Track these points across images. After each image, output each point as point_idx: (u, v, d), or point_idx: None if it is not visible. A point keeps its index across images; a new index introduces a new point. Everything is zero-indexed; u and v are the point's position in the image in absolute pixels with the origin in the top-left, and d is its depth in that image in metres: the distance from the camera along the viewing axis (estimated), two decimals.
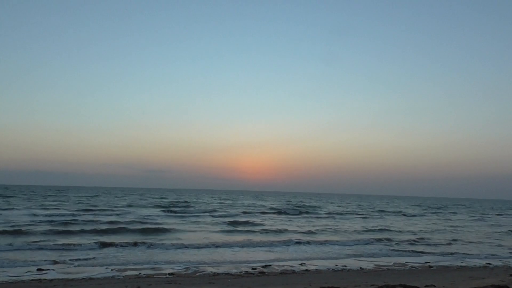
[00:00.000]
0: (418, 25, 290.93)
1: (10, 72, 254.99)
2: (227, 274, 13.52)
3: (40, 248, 17.70)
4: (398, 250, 20.90)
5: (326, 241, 23.28)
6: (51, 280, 11.90)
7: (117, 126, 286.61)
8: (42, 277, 12.31)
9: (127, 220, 31.57)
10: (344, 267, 15.49)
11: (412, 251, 20.89)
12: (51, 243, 19.01)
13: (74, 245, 18.72)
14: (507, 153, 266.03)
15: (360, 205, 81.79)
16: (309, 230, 28.45)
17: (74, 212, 37.26)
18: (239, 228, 29.20)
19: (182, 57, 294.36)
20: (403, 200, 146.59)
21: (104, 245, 18.91)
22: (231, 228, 29.36)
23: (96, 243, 19.27)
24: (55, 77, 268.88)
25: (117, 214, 37.05)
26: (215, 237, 23.53)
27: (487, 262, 18.01)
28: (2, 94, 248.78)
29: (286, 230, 28.19)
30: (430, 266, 16.36)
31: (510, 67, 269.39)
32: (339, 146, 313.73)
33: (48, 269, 13.49)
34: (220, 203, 67.81)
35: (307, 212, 50.06)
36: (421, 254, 20.10)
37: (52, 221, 28.61)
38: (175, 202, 63.33)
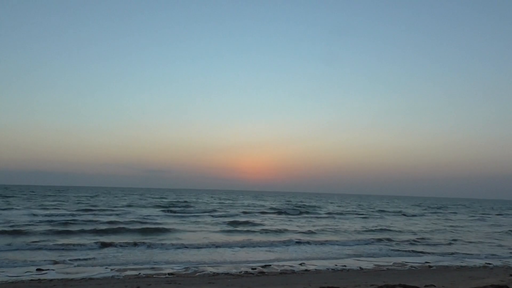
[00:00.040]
0: (418, 25, 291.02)
1: (10, 72, 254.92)
2: (227, 274, 13.51)
3: (40, 248, 17.68)
4: (399, 250, 20.89)
5: (326, 241, 23.28)
6: (51, 280, 11.89)
7: (117, 126, 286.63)
8: (42, 277, 12.30)
9: (126, 220, 31.55)
10: (344, 267, 15.48)
11: (412, 251, 20.88)
12: (51, 243, 19.00)
13: (73, 245, 18.71)
14: (507, 153, 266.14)
15: (360, 205, 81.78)
16: (309, 230, 28.44)
17: (74, 212, 37.25)
18: (239, 228, 29.18)
19: (182, 57, 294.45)
20: (403, 200, 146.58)
21: (103, 245, 18.90)
22: (231, 228, 29.34)
23: (96, 243, 19.26)
24: (55, 77, 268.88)
25: (117, 214, 37.02)
26: (215, 237, 23.51)
27: (487, 262, 18.01)
28: (2, 94, 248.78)
29: (286, 230, 28.18)
30: (430, 266, 16.36)
31: (510, 67, 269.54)
32: (339, 146, 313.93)
33: (48, 269, 13.48)
34: (220, 203, 67.78)
35: (307, 212, 50.05)
36: (421, 254, 20.09)
37: (51, 221, 28.59)
38: (175, 202, 63.30)
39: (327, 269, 15.08)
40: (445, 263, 17.27)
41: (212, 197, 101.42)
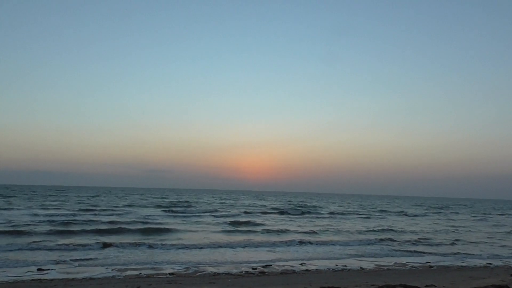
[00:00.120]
0: (418, 25, 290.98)
1: (11, 72, 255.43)
2: (228, 274, 13.52)
3: (41, 248, 17.70)
4: (400, 250, 20.86)
5: (328, 241, 23.28)
6: (52, 280, 11.90)
7: (117, 126, 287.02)
8: (43, 277, 12.32)
9: (128, 220, 31.56)
10: (345, 267, 15.47)
11: (414, 251, 20.84)
12: (52, 243, 19.02)
13: (74, 245, 18.72)
14: (508, 153, 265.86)
15: (361, 205, 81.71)
16: (311, 230, 28.41)
17: (75, 212, 37.27)
18: (240, 228, 29.15)
19: (182, 57, 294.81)
20: (404, 200, 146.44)
21: (105, 245, 18.91)
22: (232, 228, 29.32)
23: (97, 243, 19.28)
24: (56, 77, 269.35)
25: (118, 214, 37.03)
26: (216, 237, 23.51)
27: (488, 262, 17.99)
28: (2, 94, 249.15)
29: (287, 230, 28.17)
30: (431, 266, 16.34)
31: (510, 67, 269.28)
32: (339, 146, 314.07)
33: (49, 269, 13.50)
34: (221, 203, 67.77)
35: (308, 212, 50.01)
36: (423, 254, 20.04)
37: (52, 221, 28.61)
38: (176, 202, 63.30)
39: (328, 269, 15.08)
40: (446, 263, 17.25)
41: (213, 197, 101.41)
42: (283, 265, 15.51)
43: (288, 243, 21.89)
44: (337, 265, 15.95)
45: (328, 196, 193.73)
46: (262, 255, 18.09)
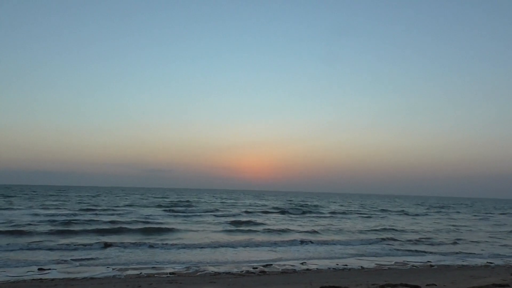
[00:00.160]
0: (418, 25, 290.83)
1: (11, 72, 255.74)
2: (228, 273, 13.52)
3: (42, 248, 17.71)
4: (402, 250, 20.84)
5: (329, 240, 23.27)
6: (52, 279, 11.90)
7: (118, 126, 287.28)
8: (44, 276, 12.32)
9: (128, 220, 31.57)
10: (345, 266, 15.47)
11: (416, 250, 20.82)
12: (53, 243, 19.04)
13: (75, 245, 18.73)
14: (508, 153, 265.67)
15: (362, 204, 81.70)
16: (312, 230, 28.39)
17: (76, 212, 37.29)
18: (241, 228, 29.15)
19: (182, 57, 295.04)
20: (405, 200, 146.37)
21: (105, 245, 18.91)
22: (233, 228, 29.31)
23: (97, 243, 19.28)
24: (56, 77, 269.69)
25: (119, 214, 37.04)
26: (217, 237, 23.51)
27: (489, 261, 17.96)
28: (2, 94, 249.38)
29: (288, 230, 28.16)
30: (431, 265, 16.33)
31: (510, 67, 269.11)
32: (340, 146, 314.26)
33: (50, 269, 13.51)
34: (222, 202, 67.78)
35: (309, 212, 49.99)
36: (424, 253, 20.01)
37: (53, 221, 28.62)
38: (177, 201, 63.33)
39: (329, 268, 15.08)
40: (447, 262, 17.24)
41: (213, 196, 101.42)
42: (284, 265, 15.51)
43: (289, 243, 21.89)
44: (337, 264, 15.95)
45: (328, 195, 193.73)
46: (263, 255, 18.09)
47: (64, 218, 30.89)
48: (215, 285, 11.10)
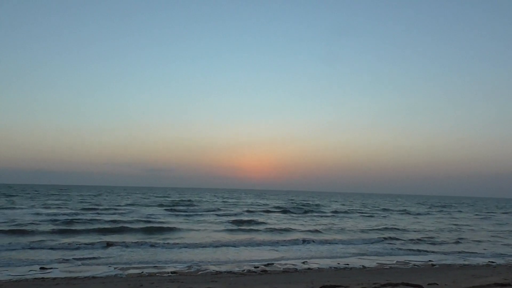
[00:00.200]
0: (418, 25, 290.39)
1: (12, 72, 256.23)
2: (229, 272, 13.53)
3: (44, 247, 17.73)
4: (404, 249, 20.82)
5: (331, 240, 23.26)
6: (54, 278, 11.93)
7: (119, 125, 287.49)
8: (45, 275, 12.35)
9: (130, 219, 31.60)
10: (347, 266, 15.48)
11: (417, 250, 20.79)
12: (55, 242, 19.07)
13: (77, 244, 18.76)
14: (509, 152, 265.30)
15: (363, 203, 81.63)
16: (314, 229, 28.39)
17: (77, 211, 37.35)
18: (243, 227, 29.14)
19: (182, 57, 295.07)
20: (406, 199, 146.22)
21: (107, 244, 18.93)
22: (235, 227, 29.32)
23: (99, 242, 19.30)
24: (57, 77, 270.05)
25: (121, 213, 37.08)
26: (219, 236, 23.53)
27: (490, 260, 17.94)
28: (4, 94, 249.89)
29: (290, 229, 28.15)
30: (433, 265, 16.32)
31: (511, 67, 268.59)
32: (341, 145, 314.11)
33: (51, 268, 13.54)
34: (223, 202, 67.81)
35: (311, 211, 49.96)
36: (426, 253, 19.97)
37: (55, 220, 28.66)
38: (179, 201, 63.37)
39: (330, 267, 15.08)
40: (448, 262, 17.23)
41: (215, 195, 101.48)
42: (285, 264, 15.52)
43: (291, 242, 21.89)
44: (339, 263, 15.95)
45: (329, 194, 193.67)
46: (265, 254, 18.11)
47: (66, 217, 30.95)
48: (217, 284, 11.11)
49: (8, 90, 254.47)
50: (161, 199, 69.83)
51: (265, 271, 13.96)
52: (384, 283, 10.23)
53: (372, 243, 22.77)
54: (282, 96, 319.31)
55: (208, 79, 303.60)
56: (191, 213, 40.36)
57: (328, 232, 27.45)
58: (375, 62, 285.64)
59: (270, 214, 44.03)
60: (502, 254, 20.37)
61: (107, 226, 26.18)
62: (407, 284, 10.05)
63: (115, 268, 13.84)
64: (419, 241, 24.26)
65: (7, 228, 23.25)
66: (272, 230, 27.32)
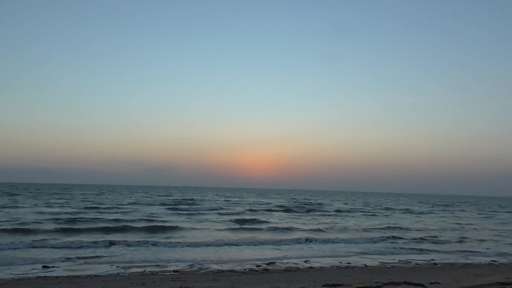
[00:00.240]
0: (419, 22, 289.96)
1: (13, 71, 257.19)
2: (231, 271, 13.54)
3: (46, 246, 17.79)
4: (406, 248, 20.78)
5: (334, 239, 23.23)
6: (57, 277, 11.96)
7: (120, 124, 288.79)
8: (48, 274, 12.38)
9: (133, 218, 31.67)
10: (349, 265, 15.47)
11: (420, 249, 20.74)
12: (57, 241, 19.12)
13: (80, 242, 18.80)
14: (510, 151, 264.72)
15: (366, 202, 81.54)
16: (317, 228, 28.38)
17: (80, 210, 37.47)
18: (246, 226, 29.15)
19: (184, 56, 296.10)
20: (408, 198, 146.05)
21: (110, 243, 18.97)
22: (237, 226, 29.34)
23: (102, 241, 19.34)
24: (58, 77, 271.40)
25: (123, 212, 37.17)
26: (221, 235, 23.54)
27: (493, 259, 17.90)
28: (5, 93, 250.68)
29: (293, 228, 28.14)
30: (435, 264, 16.30)
31: None
32: (342, 144, 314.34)
33: (54, 267, 13.58)
34: (225, 200, 67.89)
35: (314, 210, 49.93)
36: (429, 252, 19.90)
37: (58, 219, 28.75)
38: (181, 200, 63.48)
39: (332, 266, 15.08)
40: (450, 261, 17.20)
41: (217, 194, 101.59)
42: (287, 263, 15.52)
43: (293, 241, 21.88)
44: (341, 262, 15.95)
45: (331, 193, 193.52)
46: (267, 253, 18.11)
47: (68, 216, 31.05)
48: (218, 283, 11.12)
49: (11, 89, 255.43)
50: (163, 198, 69.96)
51: (267, 269, 13.96)
52: (386, 282, 10.22)
53: (374, 242, 22.76)
54: (283, 95, 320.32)
55: (208, 78, 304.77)
56: (194, 212, 40.42)
57: (330, 231, 27.43)
58: (376, 61, 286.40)
59: (272, 213, 44.01)
60: (504, 253, 20.32)
61: (109, 225, 26.24)
62: (409, 283, 10.03)
63: (117, 267, 13.87)
64: (422, 240, 24.22)
65: (10, 227, 23.32)
66: (274, 229, 27.31)
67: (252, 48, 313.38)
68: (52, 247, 17.58)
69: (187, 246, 19.23)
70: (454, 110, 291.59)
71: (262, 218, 35.19)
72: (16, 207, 39.58)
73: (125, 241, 19.61)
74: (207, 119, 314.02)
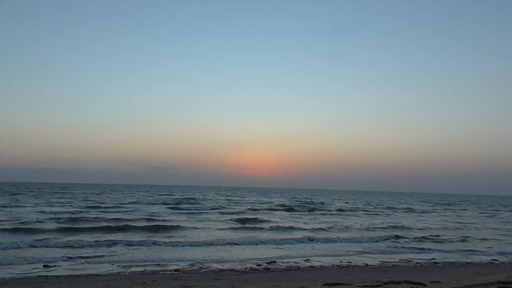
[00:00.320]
0: (422, 22, 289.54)
1: (13, 71, 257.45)
2: (232, 270, 13.55)
3: (48, 245, 17.81)
4: (408, 247, 20.76)
5: (335, 238, 23.22)
6: (58, 276, 11.98)
7: (121, 123, 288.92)
8: (49, 273, 12.40)
9: (134, 217, 31.70)
10: (349, 264, 15.46)
11: (422, 248, 20.71)
12: (59, 240, 19.15)
13: (81, 242, 18.82)
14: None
15: (367, 201, 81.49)
16: (319, 227, 28.37)
17: (81, 209, 37.52)
18: (247, 225, 29.15)
19: (183, 55, 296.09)
20: (410, 197, 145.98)
21: (111, 242, 19.00)
22: (238, 225, 29.33)
23: (103, 240, 19.38)
24: (58, 76, 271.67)
25: (124, 211, 37.21)
26: (222, 234, 23.54)
27: (494, 258, 17.87)
28: (6, 93, 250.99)
29: (294, 227, 28.11)
30: (436, 263, 16.28)
31: None
32: (343, 143, 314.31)
33: (55, 266, 13.60)
34: (227, 200, 67.90)
35: (315, 209, 49.88)
36: (431, 251, 19.89)
37: (59, 218, 28.79)
38: (182, 199, 63.51)
39: (333, 265, 15.08)
40: (451, 260, 17.18)
41: (218, 193, 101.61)
42: (288, 262, 15.52)
43: (295, 240, 21.88)
44: (341, 261, 15.94)
45: (332, 192, 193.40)
46: (269, 252, 18.10)
47: (69, 215, 31.11)
48: (219, 282, 11.11)
49: (11, 89, 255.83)
50: (165, 197, 69.99)
51: (267, 269, 13.96)
52: (386, 281, 10.20)
53: (376, 241, 22.74)
54: (283, 94, 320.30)
55: (208, 77, 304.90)
56: (195, 211, 40.44)
57: (332, 230, 27.40)
58: (376, 60, 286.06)
59: (273, 212, 44.00)
60: (506, 252, 20.29)
61: (110, 224, 26.26)
62: (410, 282, 10.02)
63: (118, 266, 13.88)
64: (423, 239, 24.19)
65: (11, 226, 23.37)
66: (276, 228, 27.29)
67: (252, 48, 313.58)
68: (53, 247, 17.60)
69: (188, 245, 19.24)
70: (455, 109, 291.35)
71: (264, 217, 35.17)
72: (18, 206, 39.64)
73: (126, 240, 19.64)
74: (207, 119, 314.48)
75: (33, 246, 17.42)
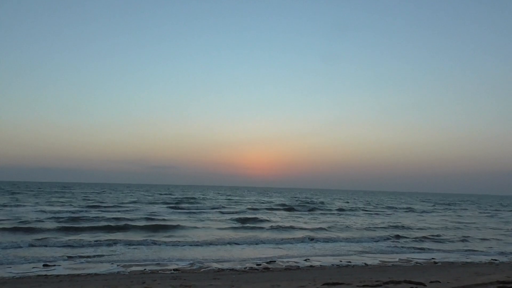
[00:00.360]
0: (422, 21, 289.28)
1: (13, 71, 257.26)
2: (232, 270, 13.54)
3: (48, 245, 17.82)
4: (408, 247, 20.75)
5: (335, 237, 23.21)
6: (57, 275, 11.98)
7: (121, 123, 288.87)
8: (49, 273, 12.40)
9: (134, 216, 31.69)
10: (349, 263, 15.46)
11: (422, 248, 20.71)
12: (58, 240, 19.17)
13: (81, 241, 18.83)
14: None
15: (368, 201, 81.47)
16: (319, 227, 28.35)
17: (81, 209, 37.51)
18: (247, 225, 29.14)
19: (184, 55, 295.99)
20: (410, 196, 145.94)
21: (111, 241, 19.00)
22: (239, 224, 29.31)
23: (103, 239, 19.37)
24: (59, 75, 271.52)
25: (125, 211, 37.21)
26: (222, 234, 23.54)
27: (493, 258, 17.87)
28: (7, 92, 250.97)
29: (295, 227, 28.09)
30: (435, 262, 16.28)
31: None
32: (343, 143, 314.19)
33: (55, 265, 13.60)
34: (227, 199, 67.90)
35: (316, 209, 49.86)
36: (431, 251, 19.88)
37: (59, 217, 28.79)
38: (182, 198, 63.51)
39: (332, 265, 15.08)
40: (451, 259, 17.18)
41: (218, 193, 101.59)
42: (288, 261, 15.52)
43: (295, 240, 21.88)
44: (341, 261, 15.94)
45: (332, 192, 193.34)
46: (269, 252, 18.10)
47: (69, 215, 31.10)
48: (219, 281, 11.12)
49: (12, 88, 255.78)
50: (165, 196, 69.99)
51: (267, 268, 13.96)
52: (386, 281, 10.21)
53: (376, 241, 22.73)
54: (283, 94, 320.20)
55: (208, 77, 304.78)
56: (195, 211, 40.43)
57: (332, 230, 27.38)
58: (376, 60, 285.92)
59: (274, 211, 43.98)
60: (506, 252, 20.28)
61: (110, 223, 26.26)
62: (410, 282, 10.03)
63: (118, 265, 13.88)
64: (424, 239, 24.18)
65: (11, 226, 23.37)
66: (276, 228, 27.27)
67: (252, 47, 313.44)
68: (53, 246, 17.60)
69: (188, 245, 19.24)
70: (455, 109, 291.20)
71: (264, 217, 35.16)
72: (18, 205, 39.64)
73: (126, 240, 19.65)
74: (207, 118, 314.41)
75: (33, 246, 17.42)
